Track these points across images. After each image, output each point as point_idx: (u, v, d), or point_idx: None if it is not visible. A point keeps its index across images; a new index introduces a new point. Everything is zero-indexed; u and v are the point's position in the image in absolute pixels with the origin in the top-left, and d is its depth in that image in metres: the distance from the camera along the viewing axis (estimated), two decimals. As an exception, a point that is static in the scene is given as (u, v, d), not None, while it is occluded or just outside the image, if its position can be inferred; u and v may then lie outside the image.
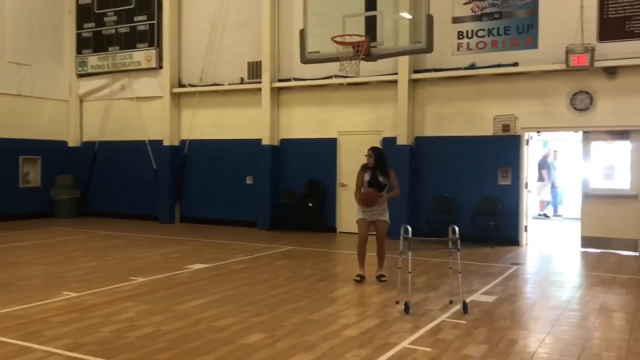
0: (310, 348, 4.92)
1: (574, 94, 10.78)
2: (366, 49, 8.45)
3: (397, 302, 6.47)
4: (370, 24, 8.55)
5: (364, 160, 13.10)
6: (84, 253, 9.83)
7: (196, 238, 11.93)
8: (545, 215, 16.36)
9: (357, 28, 8.48)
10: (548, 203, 16.62)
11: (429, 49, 8.46)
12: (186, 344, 4.98)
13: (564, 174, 16.58)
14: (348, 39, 8.41)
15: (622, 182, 10.76)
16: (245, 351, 4.82)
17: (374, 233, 7.90)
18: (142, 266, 8.67)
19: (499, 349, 4.97)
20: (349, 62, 8.51)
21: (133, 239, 11.66)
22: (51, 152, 15.79)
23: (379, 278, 7.72)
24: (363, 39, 8.41)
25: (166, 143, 14.76)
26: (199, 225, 14.22)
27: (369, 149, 8.27)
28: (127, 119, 15.61)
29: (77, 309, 6.15)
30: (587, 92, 10.68)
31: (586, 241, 10.88)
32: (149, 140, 15.16)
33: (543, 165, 15.95)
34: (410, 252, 6.36)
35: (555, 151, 16.51)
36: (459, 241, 6.32)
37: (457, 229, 6.32)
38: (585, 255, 10.24)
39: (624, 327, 5.68)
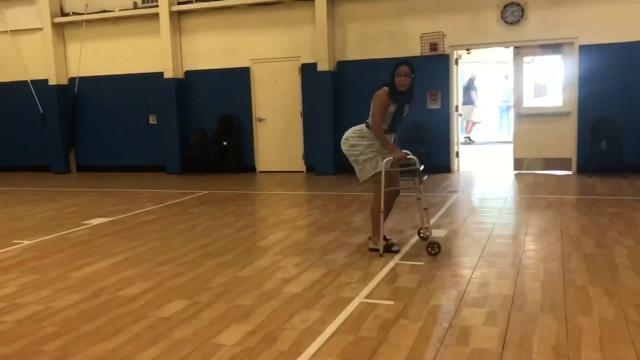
0: (246, 315, 3.90)
1: (505, 6, 10.02)
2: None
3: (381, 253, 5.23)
4: None
5: (282, 91, 11.93)
6: (-43, 215, 8.20)
7: (96, 188, 10.45)
8: (470, 139, 16.03)
9: None
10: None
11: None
12: (82, 326, 3.81)
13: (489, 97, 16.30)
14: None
15: (554, 99, 10.27)
16: (161, 328, 3.72)
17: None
18: (29, 226, 7.23)
19: (470, 294, 4.17)
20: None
21: (20, 194, 10.02)
22: None
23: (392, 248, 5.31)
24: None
25: (52, 82, 12.83)
26: (99, 173, 12.66)
27: (404, 65, 5.12)
28: (4, 56, 13.42)
29: (-63, 288, 4.77)
30: (517, 4, 9.94)
31: (519, 163, 10.43)
32: (33, 81, 13.14)
33: (470, 87, 15.44)
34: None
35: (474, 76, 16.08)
36: (421, 173, 5.34)
37: (416, 159, 5.26)
38: (522, 178, 9.76)
39: (597, 254, 5.05)
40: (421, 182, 5.24)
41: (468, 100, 15.63)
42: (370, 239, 5.46)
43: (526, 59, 10.48)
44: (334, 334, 3.54)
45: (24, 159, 13.45)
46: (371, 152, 5.20)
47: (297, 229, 6.54)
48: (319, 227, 6.56)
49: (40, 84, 12.97)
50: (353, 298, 4.16)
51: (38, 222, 7.45)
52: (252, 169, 11.90)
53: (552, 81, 10.32)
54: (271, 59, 11.54)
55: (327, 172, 10.99)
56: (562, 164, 10.09)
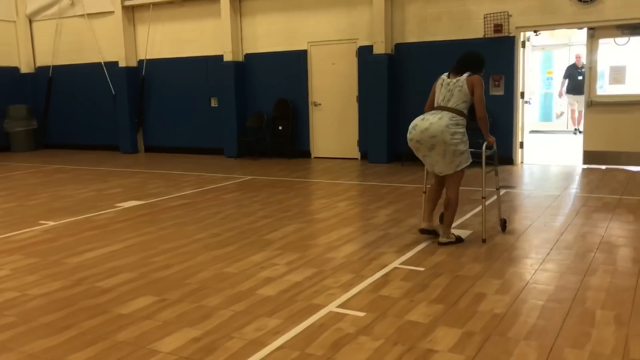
0: (203, 318, 3.67)
1: (578, -17, 9.06)
2: None
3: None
4: None
5: (339, 75, 11.47)
6: (12, 192, 8.58)
7: (150, 169, 10.64)
8: (579, 131, 14.83)
9: None
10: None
11: None
12: (40, 318, 3.75)
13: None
14: None
15: (632, 86, 9.20)
16: (113, 326, 3.58)
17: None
18: (65, 206, 7.41)
19: (456, 310, 3.70)
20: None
21: (80, 173, 10.39)
22: (1, 80, 14.31)
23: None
24: None
25: (122, 64, 13.20)
26: (163, 154, 12.94)
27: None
28: (81, 39, 13.98)
29: (-58, 267, 4.93)
30: (593, -20, 8.95)
31: (590, 157, 9.48)
32: (105, 62, 13.61)
33: (567, 73, 14.04)
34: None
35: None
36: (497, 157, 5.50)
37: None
38: (588, 174, 8.86)
39: (629, 271, 4.37)
40: (497, 165, 5.59)
41: (572, 90, 14.25)
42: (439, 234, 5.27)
43: (619, 40, 9.42)
44: (279, 348, 3.23)
45: (97, 139, 14.02)
46: (467, 140, 5.04)
47: (315, 221, 6.24)
48: (337, 221, 6.22)
49: (112, 66, 13.39)
50: (325, 306, 3.82)
51: (75, 202, 7.64)
52: (307, 154, 11.68)
53: (631, 66, 9.21)
54: (328, 41, 11.19)
55: (380, 161, 10.56)
56: (639, 159, 9.04)
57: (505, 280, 4.25)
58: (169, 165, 11.06)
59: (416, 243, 5.24)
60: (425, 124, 4.98)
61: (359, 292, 4.05)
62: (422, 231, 5.28)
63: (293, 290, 4.13)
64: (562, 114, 15.45)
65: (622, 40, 9.32)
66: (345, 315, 3.66)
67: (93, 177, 9.81)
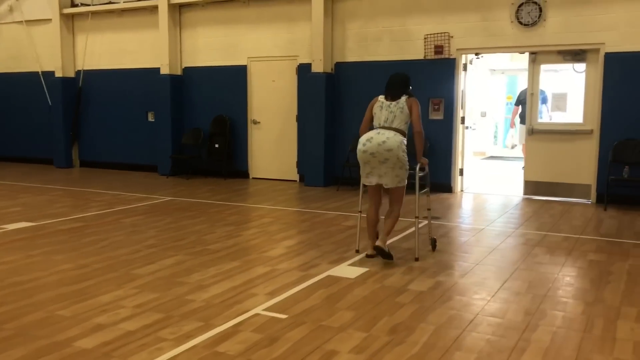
0: (-15, 378, 3.05)
1: (520, 5, 8.64)
2: None
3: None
4: None
5: (279, 92, 10.88)
6: None
7: (70, 187, 9.98)
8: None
9: None
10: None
11: None
12: None
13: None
14: None
15: (574, 114, 8.78)
16: None
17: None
18: (-55, 226, 6.75)
19: (294, 374, 3.12)
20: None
21: (-6, 189, 9.71)
22: None
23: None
24: None
25: (58, 74, 12.57)
26: (98, 170, 12.29)
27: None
28: (19, 46, 13.37)
29: None
30: (535, 2, 8.54)
31: (530, 187, 9.01)
32: (43, 72, 12.98)
33: (519, 100, 13.30)
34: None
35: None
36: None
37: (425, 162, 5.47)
38: (524, 205, 8.36)
39: (514, 327, 3.82)
40: (428, 185, 5.87)
41: (524, 119, 13.48)
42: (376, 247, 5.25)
43: (578, 67, 8.95)
44: None
45: (32, 151, 13.35)
46: (407, 160, 5.21)
47: (203, 253, 5.62)
48: (227, 254, 5.61)
49: (50, 76, 12.77)
50: (143, 364, 3.21)
51: (-41, 222, 6.97)
52: (245, 174, 11.09)
53: (573, 94, 8.81)
54: (269, 57, 10.68)
55: (317, 184, 10.01)
56: (581, 191, 8.59)
57: (370, 334, 3.67)
58: (94, 183, 10.41)
59: (297, 283, 4.67)
60: (382, 138, 5.09)
61: (192, 347, 3.45)
62: (368, 256, 5.31)
63: (118, 342, 3.52)
64: (514, 146, 14.73)
65: (580, 67, 8.80)
66: (156, 378, 3.06)
67: (3, 194, 9.13)
